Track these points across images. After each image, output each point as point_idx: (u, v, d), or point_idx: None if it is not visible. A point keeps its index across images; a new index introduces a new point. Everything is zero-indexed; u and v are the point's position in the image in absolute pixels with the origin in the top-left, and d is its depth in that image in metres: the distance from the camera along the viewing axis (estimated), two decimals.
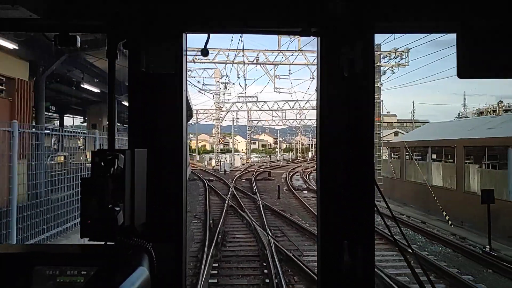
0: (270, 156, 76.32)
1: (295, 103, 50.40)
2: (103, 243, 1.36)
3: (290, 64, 29.77)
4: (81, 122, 29.96)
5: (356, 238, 1.66)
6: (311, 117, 57.47)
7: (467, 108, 59.94)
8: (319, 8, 1.66)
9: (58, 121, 27.47)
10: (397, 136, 45.72)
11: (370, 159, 1.70)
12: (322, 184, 1.73)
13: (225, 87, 47.04)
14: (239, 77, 34.34)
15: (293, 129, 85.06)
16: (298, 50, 28.31)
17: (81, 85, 17.54)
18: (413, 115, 59.14)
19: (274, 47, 38.20)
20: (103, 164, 1.36)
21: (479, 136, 18.19)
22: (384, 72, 25.99)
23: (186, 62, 1.79)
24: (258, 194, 23.12)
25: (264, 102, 52.26)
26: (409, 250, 2.38)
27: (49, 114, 23.99)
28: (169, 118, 1.72)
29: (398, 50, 24.74)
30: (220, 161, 48.40)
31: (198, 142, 77.40)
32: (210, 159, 57.22)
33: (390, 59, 25.51)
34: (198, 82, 40.85)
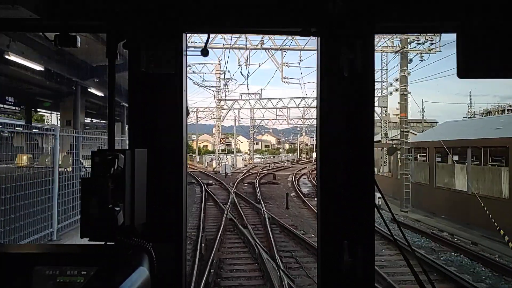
0: (273, 157, 73.11)
1: (301, 100, 46.95)
2: (103, 243, 1.38)
3: (300, 50, 25.39)
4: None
5: (356, 238, 1.69)
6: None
7: (472, 108, 58.13)
8: (319, 8, 1.69)
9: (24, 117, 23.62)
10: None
11: (370, 159, 1.72)
12: (322, 184, 1.77)
13: (226, 84, 43.67)
14: (240, 65, 29.40)
15: (298, 129, 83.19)
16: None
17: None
18: (423, 115, 56.02)
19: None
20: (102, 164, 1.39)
21: None
22: (411, 60, 22.23)
23: (186, 62, 1.82)
24: (262, 203, 19.62)
25: (268, 99, 49.18)
26: (409, 249, 2.21)
27: (5, 106, 20.31)
28: (169, 118, 1.75)
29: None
30: (221, 162, 45.00)
31: (200, 142, 74.95)
32: (211, 160, 53.63)
33: (418, 43, 21.70)
34: (197, 82, 37.39)
